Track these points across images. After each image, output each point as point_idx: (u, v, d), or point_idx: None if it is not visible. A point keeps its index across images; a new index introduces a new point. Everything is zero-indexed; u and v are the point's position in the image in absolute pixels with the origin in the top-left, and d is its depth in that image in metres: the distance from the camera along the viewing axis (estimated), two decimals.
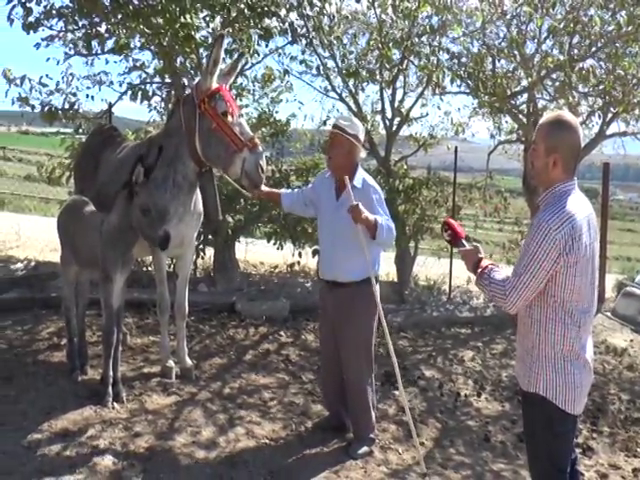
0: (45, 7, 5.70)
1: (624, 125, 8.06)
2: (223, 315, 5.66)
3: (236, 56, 4.32)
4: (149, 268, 6.43)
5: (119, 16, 5.71)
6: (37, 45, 6.26)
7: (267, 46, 6.72)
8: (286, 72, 7.51)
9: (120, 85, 6.79)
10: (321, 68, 7.66)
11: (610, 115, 7.90)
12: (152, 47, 6.30)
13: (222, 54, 3.70)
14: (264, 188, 3.67)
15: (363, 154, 3.45)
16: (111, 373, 3.69)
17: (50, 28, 6.09)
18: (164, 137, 3.97)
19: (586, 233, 2.22)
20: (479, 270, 2.38)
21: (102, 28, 6.04)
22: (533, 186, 6.60)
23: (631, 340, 6.17)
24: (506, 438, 3.85)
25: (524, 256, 2.24)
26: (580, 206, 2.25)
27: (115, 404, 3.64)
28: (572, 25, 7.30)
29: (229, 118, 3.62)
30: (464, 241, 2.52)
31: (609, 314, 6.96)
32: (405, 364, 4.91)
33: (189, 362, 4.27)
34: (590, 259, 2.25)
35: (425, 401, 4.31)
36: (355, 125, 3.34)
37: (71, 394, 3.76)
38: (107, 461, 3.08)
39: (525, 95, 8.03)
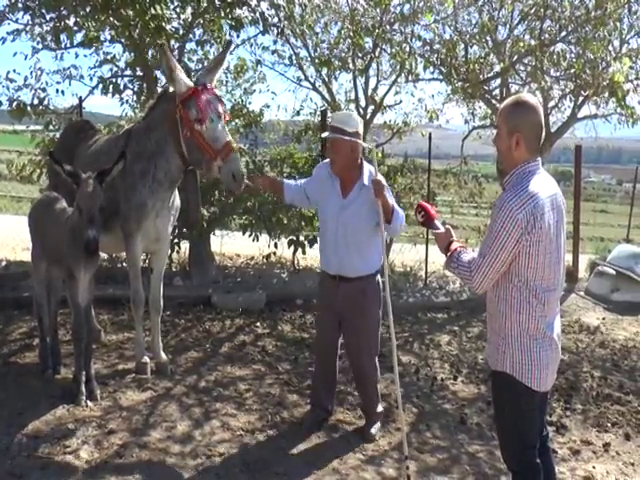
0: (10, 0, 5.58)
1: (595, 108, 8.17)
2: (199, 308, 5.63)
3: (221, 52, 4.20)
4: (123, 264, 6.38)
5: (88, 8, 5.62)
6: (3, 39, 6.14)
7: (238, 36, 6.69)
8: (258, 62, 7.49)
9: (91, 79, 6.74)
10: (293, 58, 7.65)
11: (581, 98, 7.99)
12: (122, 39, 6.22)
13: (174, 63, 3.61)
14: (270, 175, 3.65)
15: (365, 144, 3.37)
16: (83, 371, 3.65)
17: (16, 22, 5.99)
18: (145, 131, 3.92)
19: (549, 212, 2.23)
20: (449, 253, 2.41)
21: (70, 21, 5.94)
22: (503, 170, 6.69)
23: (603, 318, 6.30)
24: (482, 420, 3.89)
25: (488, 237, 2.27)
26: (544, 186, 2.27)
27: (89, 402, 3.61)
28: (542, 10, 7.36)
29: (198, 127, 3.55)
30: (437, 222, 2.55)
31: (582, 293, 7.10)
32: (381, 350, 4.90)
33: (164, 357, 4.25)
34: (554, 238, 2.27)
35: (401, 386, 4.28)
36: (353, 120, 3.24)
37: (43, 394, 3.71)
38: (80, 460, 3.06)
39: (498, 80, 8.09)
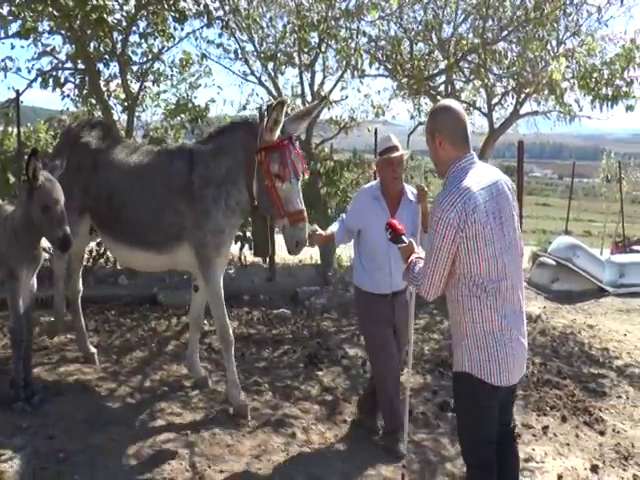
0: None
1: (536, 105, 8.44)
2: (145, 307, 5.53)
3: (315, 102, 4.09)
4: None
5: None
6: None
7: (182, 29, 6.56)
8: (204, 56, 7.36)
9: (29, 72, 6.44)
10: (239, 52, 7.57)
11: (523, 95, 8.24)
12: (62, 31, 6.00)
13: (283, 117, 3.38)
14: (319, 231, 3.51)
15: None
16: (22, 375, 3.52)
17: None
18: (213, 154, 3.65)
19: (485, 203, 2.23)
20: (407, 265, 2.48)
21: (4, 10, 5.69)
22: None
23: (544, 307, 6.58)
24: (427, 409, 3.98)
25: (428, 243, 2.32)
26: (478, 178, 2.28)
27: (27, 407, 3.48)
28: (485, 9, 7.55)
29: (278, 183, 3.41)
30: (404, 237, 2.66)
31: (525, 284, 7.36)
32: (329, 344, 4.98)
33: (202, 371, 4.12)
34: (498, 227, 2.27)
35: (348, 379, 4.38)
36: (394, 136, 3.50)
37: None
38: (15, 467, 2.91)
39: (443, 77, 8.25)
